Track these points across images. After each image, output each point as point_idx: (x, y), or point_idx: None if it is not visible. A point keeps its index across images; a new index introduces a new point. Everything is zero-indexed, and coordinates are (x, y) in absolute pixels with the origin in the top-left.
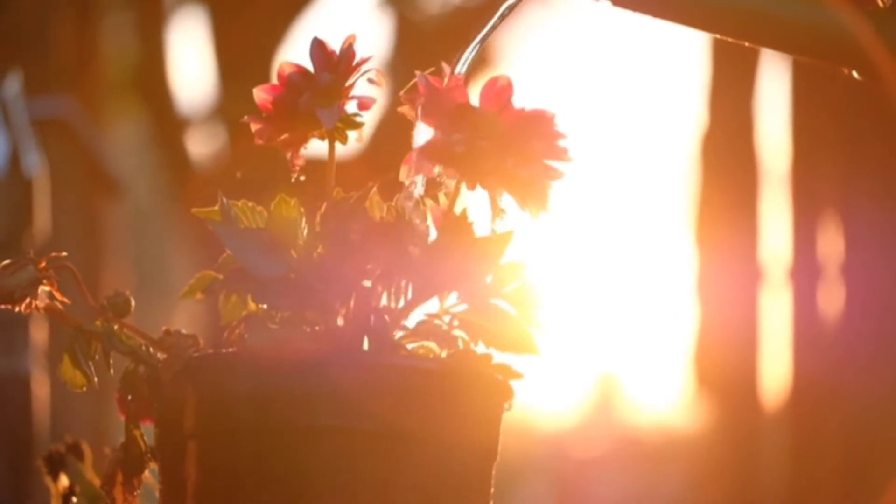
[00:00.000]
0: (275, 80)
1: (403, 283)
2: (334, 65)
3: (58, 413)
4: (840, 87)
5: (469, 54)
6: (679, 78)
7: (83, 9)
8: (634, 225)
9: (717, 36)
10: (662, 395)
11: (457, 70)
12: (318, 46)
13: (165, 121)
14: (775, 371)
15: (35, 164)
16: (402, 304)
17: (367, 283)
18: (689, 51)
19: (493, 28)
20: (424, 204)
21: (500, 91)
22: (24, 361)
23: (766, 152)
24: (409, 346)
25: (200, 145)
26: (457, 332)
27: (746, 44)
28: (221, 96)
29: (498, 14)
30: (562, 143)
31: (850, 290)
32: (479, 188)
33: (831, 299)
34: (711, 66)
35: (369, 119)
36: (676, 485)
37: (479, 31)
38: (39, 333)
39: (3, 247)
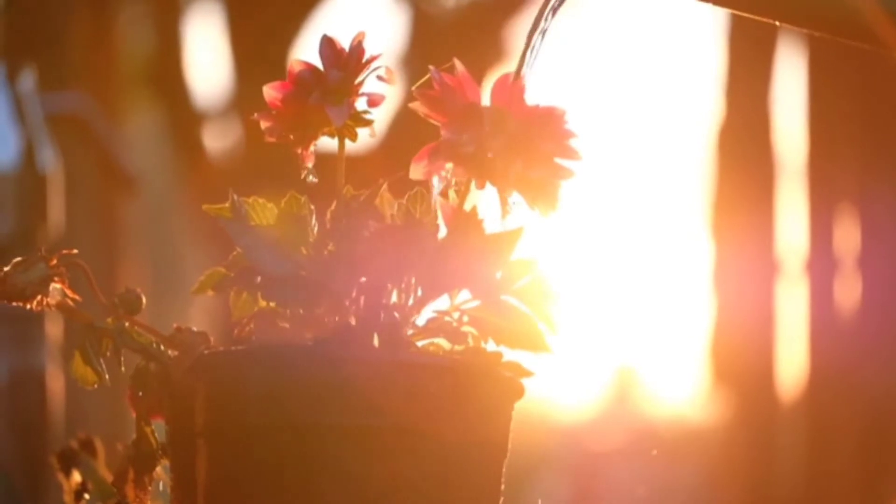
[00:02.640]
0: (286, 76)
1: (413, 281)
2: (344, 62)
3: (72, 408)
4: (857, 79)
5: (528, 55)
6: (695, 71)
7: (98, 4)
8: (651, 218)
9: (733, 11)
10: (679, 388)
11: (521, 72)
12: (327, 44)
13: (180, 116)
14: (792, 363)
15: (49, 159)
16: (412, 301)
17: (378, 281)
18: (705, 43)
19: (545, 25)
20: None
21: (511, 89)
22: (38, 356)
23: (783, 145)
24: (420, 344)
25: (215, 140)
26: (467, 329)
27: (764, 19)
28: (237, 91)
29: (549, 8)
30: (572, 142)
31: (866, 282)
32: (488, 186)
33: (848, 292)
34: (728, 59)
35: (381, 115)
36: (693, 477)
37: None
38: (54, 329)
39: (17, 243)
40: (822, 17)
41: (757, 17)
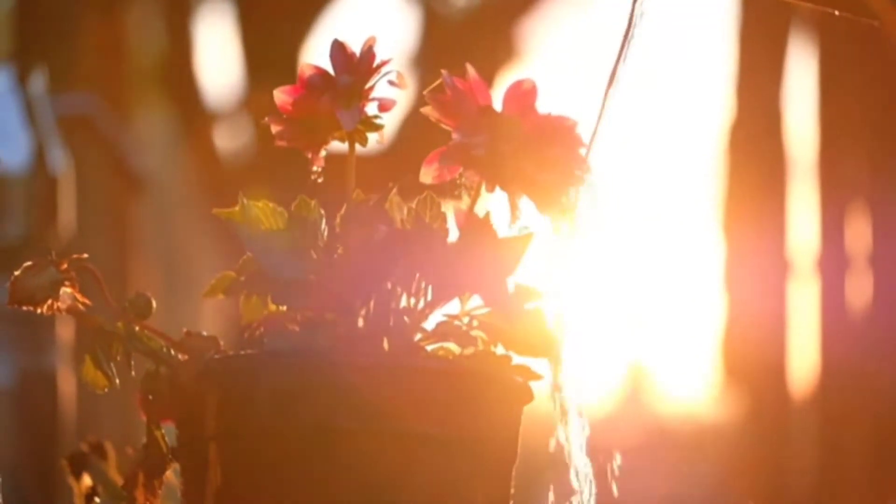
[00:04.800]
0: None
1: (423, 285)
2: (354, 67)
3: (83, 412)
4: (869, 76)
5: (616, 72)
6: (706, 68)
7: (108, 4)
8: (662, 217)
9: None
10: (691, 385)
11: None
12: (337, 48)
13: (191, 117)
14: (804, 361)
15: (60, 161)
16: (421, 305)
17: (388, 285)
18: (716, 40)
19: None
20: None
21: (523, 95)
22: (49, 360)
23: (794, 142)
24: (429, 348)
25: (226, 142)
26: (476, 334)
27: None
28: (248, 92)
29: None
30: (582, 150)
31: (878, 280)
32: (498, 190)
33: (859, 289)
34: (739, 56)
35: (391, 118)
36: (705, 475)
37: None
38: (65, 332)
39: (27, 245)
40: None
41: None
